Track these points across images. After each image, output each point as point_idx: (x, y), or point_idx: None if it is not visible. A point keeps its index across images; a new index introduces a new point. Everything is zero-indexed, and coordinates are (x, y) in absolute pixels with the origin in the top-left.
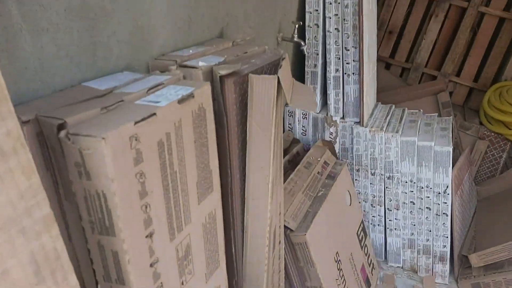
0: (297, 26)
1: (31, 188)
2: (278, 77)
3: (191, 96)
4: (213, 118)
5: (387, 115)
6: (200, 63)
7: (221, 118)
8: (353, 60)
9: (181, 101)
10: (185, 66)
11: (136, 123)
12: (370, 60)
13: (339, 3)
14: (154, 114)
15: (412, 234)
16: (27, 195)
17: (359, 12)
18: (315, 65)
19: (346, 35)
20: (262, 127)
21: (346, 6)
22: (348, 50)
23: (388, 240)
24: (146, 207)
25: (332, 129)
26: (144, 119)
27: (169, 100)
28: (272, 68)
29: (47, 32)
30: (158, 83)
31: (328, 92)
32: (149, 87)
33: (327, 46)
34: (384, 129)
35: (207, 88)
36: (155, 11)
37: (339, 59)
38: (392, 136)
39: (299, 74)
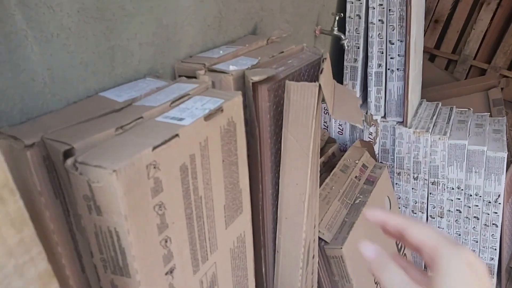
0: (337, 18)
1: (23, 242)
2: (320, 85)
3: (219, 110)
4: (244, 132)
5: (433, 115)
6: (231, 67)
7: (253, 128)
8: (398, 55)
9: (208, 117)
10: (215, 71)
11: (154, 148)
12: (416, 54)
13: None
14: (177, 135)
15: None
16: (17, 251)
17: (407, 2)
18: (355, 60)
19: (391, 27)
20: (299, 140)
21: None
22: (393, 43)
23: None
24: (166, 241)
25: (371, 129)
26: (165, 142)
27: (194, 117)
28: (311, 70)
29: (57, 38)
30: (183, 94)
31: (368, 88)
32: (172, 99)
33: (369, 39)
34: (430, 130)
35: (238, 99)
36: (182, 8)
37: (382, 53)
38: (439, 138)
39: (337, 68)
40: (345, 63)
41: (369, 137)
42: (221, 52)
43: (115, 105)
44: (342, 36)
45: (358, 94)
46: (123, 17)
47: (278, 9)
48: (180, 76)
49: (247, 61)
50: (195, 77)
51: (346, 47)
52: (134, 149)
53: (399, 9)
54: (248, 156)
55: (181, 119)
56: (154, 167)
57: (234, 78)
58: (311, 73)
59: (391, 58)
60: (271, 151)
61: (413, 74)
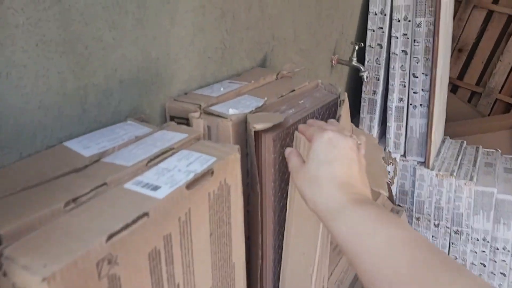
0: (357, 48)
1: None
2: None
3: (209, 173)
4: (241, 194)
5: (458, 155)
6: (231, 111)
7: (254, 181)
8: (422, 89)
9: (192, 184)
10: (211, 114)
11: (110, 237)
12: (441, 89)
13: (409, 21)
14: (146, 214)
15: None
16: None
17: (434, 33)
18: (375, 92)
19: (415, 59)
20: None
21: (418, 25)
22: (417, 77)
23: None
24: None
25: (389, 168)
26: (127, 226)
27: (174, 184)
28: (326, 112)
29: (6, 77)
30: (167, 148)
31: (388, 124)
32: (151, 155)
33: (391, 71)
34: (455, 173)
35: (234, 157)
36: (176, 38)
37: (405, 86)
38: (465, 184)
39: (354, 100)
40: (363, 95)
41: None
42: (222, 89)
43: (78, 161)
44: (361, 68)
45: (376, 129)
46: (99, 50)
47: (292, 38)
48: (171, 117)
49: (251, 101)
50: (187, 119)
51: (365, 80)
52: (81, 240)
53: (425, 40)
54: (247, 211)
55: (156, 188)
56: (109, 262)
57: (233, 124)
58: (326, 116)
59: (414, 92)
60: (274, 209)
61: (438, 111)
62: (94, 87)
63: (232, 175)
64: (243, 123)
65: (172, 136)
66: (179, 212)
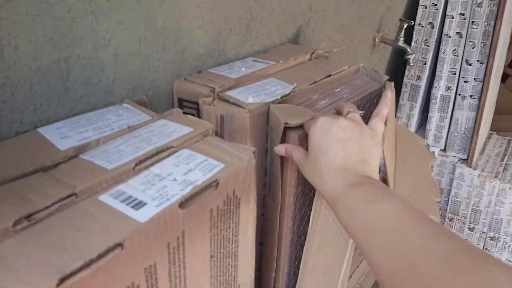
0: (405, 26)
1: None
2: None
3: (212, 185)
4: (254, 206)
5: (505, 154)
6: (250, 100)
7: (274, 187)
8: (475, 79)
9: (188, 201)
10: (227, 101)
11: (62, 281)
12: (496, 80)
13: None
14: (119, 245)
15: None
16: None
17: (497, 16)
18: (419, 78)
19: (471, 44)
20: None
21: (479, 5)
22: (470, 64)
23: None
24: None
25: None
26: (90, 263)
27: (164, 201)
28: (367, 104)
29: None
30: (164, 145)
31: (430, 114)
32: (142, 155)
33: (441, 55)
34: (500, 176)
35: (248, 165)
36: (190, 3)
37: (455, 74)
38: (510, 188)
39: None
40: (405, 80)
41: None
42: (243, 69)
43: (49, 156)
44: (408, 49)
45: (416, 118)
46: (86, 14)
47: (333, 10)
48: (180, 100)
49: (277, 87)
50: (197, 104)
51: (411, 63)
52: (21, 282)
53: (485, 23)
54: (262, 214)
55: (139, 205)
56: None
57: (252, 115)
58: (366, 110)
59: (465, 81)
60: (294, 219)
61: (489, 104)
62: (79, 60)
63: (244, 186)
64: (264, 115)
65: (173, 128)
66: (168, 237)
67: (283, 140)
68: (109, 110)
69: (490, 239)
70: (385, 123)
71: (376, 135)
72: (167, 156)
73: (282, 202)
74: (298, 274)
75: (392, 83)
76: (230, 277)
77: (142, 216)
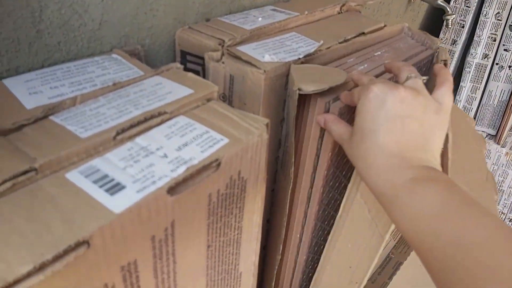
0: None
1: None
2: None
3: (212, 165)
4: (262, 187)
5: None
6: (267, 58)
7: (286, 163)
8: None
9: (180, 186)
10: (238, 58)
11: None
12: None
13: None
14: (84, 243)
15: None
16: None
17: None
18: (454, 42)
19: None
20: (373, 210)
21: None
22: None
23: None
24: None
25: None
26: (43, 266)
27: (148, 184)
28: None
29: None
30: (155, 110)
31: (461, 83)
32: (125, 122)
33: (482, 18)
34: None
35: (259, 140)
36: None
37: (495, 41)
38: None
39: None
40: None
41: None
42: (260, 19)
43: (10, 116)
44: (447, 9)
45: None
46: None
47: None
48: (183, 52)
49: (300, 43)
50: (203, 59)
51: (449, 25)
52: None
53: None
54: (272, 190)
55: (116, 188)
56: None
57: (268, 77)
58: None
59: (505, 50)
60: (320, 203)
61: None
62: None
63: (253, 165)
64: (282, 77)
65: (169, 89)
66: (152, 230)
67: (303, 112)
68: (93, 61)
69: (509, 221)
70: None
71: (442, 111)
72: (158, 125)
73: (294, 181)
74: (316, 260)
75: (447, 49)
76: (230, 266)
77: (117, 204)
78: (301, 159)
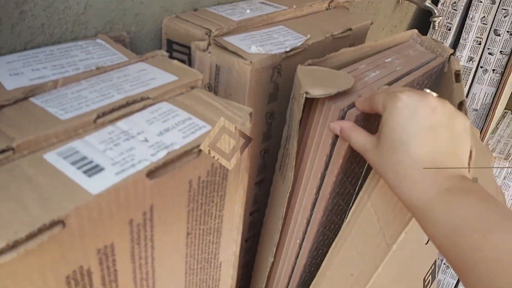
0: None
1: None
2: None
3: (193, 151)
4: (245, 177)
5: None
6: (253, 49)
7: (286, 166)
8: (501, 52)
9: (160, 170)
10: (225, 48)
11: None
12: None
13: None
14: (59, 223)
15: None
16: None
17: None
18: None
19: (503, 11)
20: (382, 218)
21: None
22: (499, 35)
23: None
24: None
25: None
26: (15, 245)
27: (127, 167)
28: (425, 82)
29: None
30: (138, 95)
31: None
32: (107, 105)
33: (468, 21)
34: (510, 158)
35: (242, 128)
36: None
37: (480, 44)
38: None
39: None
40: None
41: None
42: (248, 11)
43: None
44: (434, 11)
45: None
46: None
47: None
48: (170, 41)
49: (288, 37)
50: (189, 48)
51: (436, 27)
52: None
53: None
54: (261, 180)
55: (94, 170)
56: None
57: (254, 69)
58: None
59: (489, 53)
60: (325, 209)
61: (511, 81)
62: None
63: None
64: (268, 70)
65: (153, 75)
66: (130, 213)
67: (311, 115)
68: (77, 46)
69: None
70: None
71: (466, 120)
72: (140, 110)
73: (293, 184)
74: (314, 264)
75: (459, 60)
76: (210, 255)
77: (95, 186)
78: (307, 165)
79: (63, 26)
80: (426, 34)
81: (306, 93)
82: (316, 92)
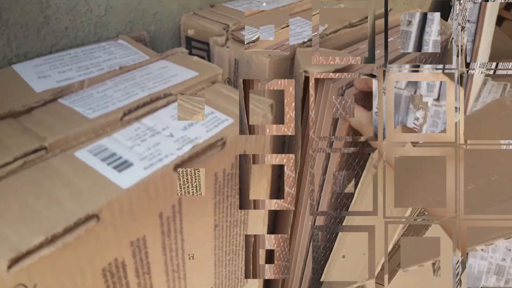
0: None
1: None
2: None
3: (217, 144)
4: (269, 168)
5: None
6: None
7: (293, 146)
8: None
9: (184, 164)
10: (243, 42)
11: (16, 261)
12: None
13: None
14: (93, 217)
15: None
16: None
17: None
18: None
19: None
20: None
21: None
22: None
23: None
24: None
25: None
26: (52, 240)
27: (155, 161)
28: (429, 60)
29: None
30: (161, 92)
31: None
32: (132, 103)
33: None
34: None
35: (263, 121)
36: None
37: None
38: None
39: None
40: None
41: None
42: (264, 4)
43: (20, 99)
44: None
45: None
46: None
47: None
48: (188, 38)
49: (305, 27)
50: (208, 45)
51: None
52: None
53: None
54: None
55: (124, 165)
56: None
57: (273, 61)
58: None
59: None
60: (333, 191)
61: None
62: None
63: (258, 146)
64: (287, 61)
65: (175, 72)
66: (160, 206)
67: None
68: (100, 47)
69: None
70: None
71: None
72: (164, 106)
73: (301, 163)
74: (328, 248)
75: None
76: (238, 247)
77: (125, 180)
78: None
79: (85, 28)
80: (446, 20)
81: (305, 71)
82: (314, 70)
